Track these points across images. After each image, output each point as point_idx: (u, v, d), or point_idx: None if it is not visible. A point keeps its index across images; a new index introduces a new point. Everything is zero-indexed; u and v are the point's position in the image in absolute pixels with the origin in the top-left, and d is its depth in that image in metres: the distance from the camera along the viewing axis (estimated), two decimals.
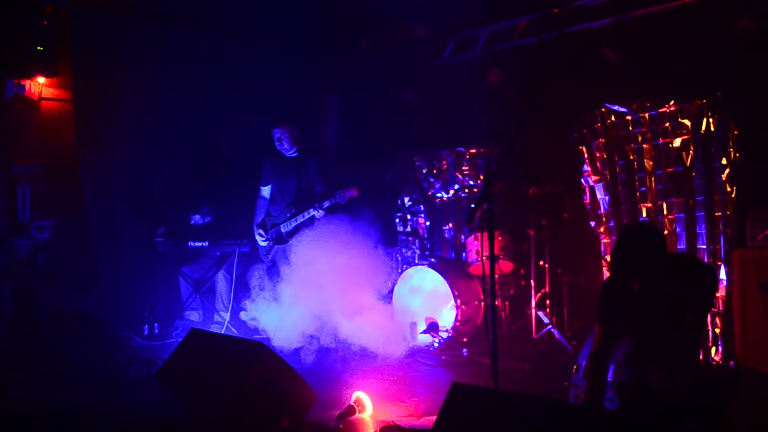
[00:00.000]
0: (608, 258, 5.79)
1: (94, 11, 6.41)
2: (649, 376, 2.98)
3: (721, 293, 5.05)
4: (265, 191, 6.50)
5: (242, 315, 6.13)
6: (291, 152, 6.31)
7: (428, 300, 6.27)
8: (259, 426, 3.59)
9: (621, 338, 3.37)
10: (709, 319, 5.03)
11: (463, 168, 6.98)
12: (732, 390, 2.72)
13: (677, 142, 5.40)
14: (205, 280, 6.80)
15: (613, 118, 5.84)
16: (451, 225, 7.20)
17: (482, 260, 6.00)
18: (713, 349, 5.02)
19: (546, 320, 6.00)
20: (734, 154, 5.03)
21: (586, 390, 3.47)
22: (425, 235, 6.91)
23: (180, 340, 4.44)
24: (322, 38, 7.61)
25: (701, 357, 4.93)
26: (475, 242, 6.29)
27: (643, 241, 3.25)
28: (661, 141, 5.50)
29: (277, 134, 6.22)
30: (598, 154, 5.98)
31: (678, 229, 5.38)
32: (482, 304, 6.13)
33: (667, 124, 5.44)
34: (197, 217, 6.86)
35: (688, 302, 3.18)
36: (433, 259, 6.49)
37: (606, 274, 5.94)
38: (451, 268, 6.28)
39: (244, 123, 7.06)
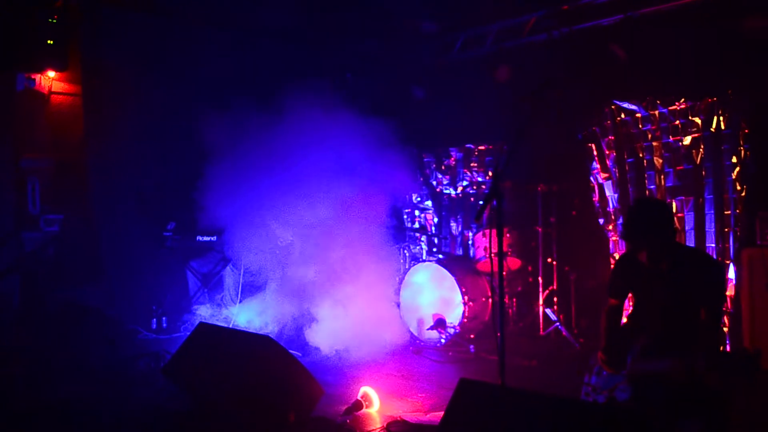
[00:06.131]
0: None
1: (103, 6, 6.44)
2: (666, 365, 3.00)
3: (730, 292, 5.03)
4: None
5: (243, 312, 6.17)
6: None
7: (435, 296, 6.26)
8: (267, 420, 3.60)
9: (638, 331, 3.37)
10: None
11: (472, 165, 6.96)
12: (748, 372, 2.70)
13: (687, 140, 5.37)
14: (213, 275, 6.82)
15: (623, 116, 5.82)
16: (459, 221, 7.19)
17: (490, 257, 5.98)
18: (721, 348, 5.01)
19: (553, 317, 5.99)
20: (745, 153, 5.01)
21: (601, 338, 3.56)
22: (433, 232, 6.90)
23: (188, 333, 4.46)
24: (329, 35, 7.59)
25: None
26: (483, 239, 6.29)
27: (650, 209, 3.33)
28: (671, 139, 5.48)
29: None
30: (607, 152, 5.96)
31: (687, 227, 5.35)
32: (489, 300, 6.13)
33: (678, 122, 5.42)
34: None
35: (701, 296, 3.19)
36: (440, 256, 6.48)
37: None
38: (459, 265, 6.28)
39: None
